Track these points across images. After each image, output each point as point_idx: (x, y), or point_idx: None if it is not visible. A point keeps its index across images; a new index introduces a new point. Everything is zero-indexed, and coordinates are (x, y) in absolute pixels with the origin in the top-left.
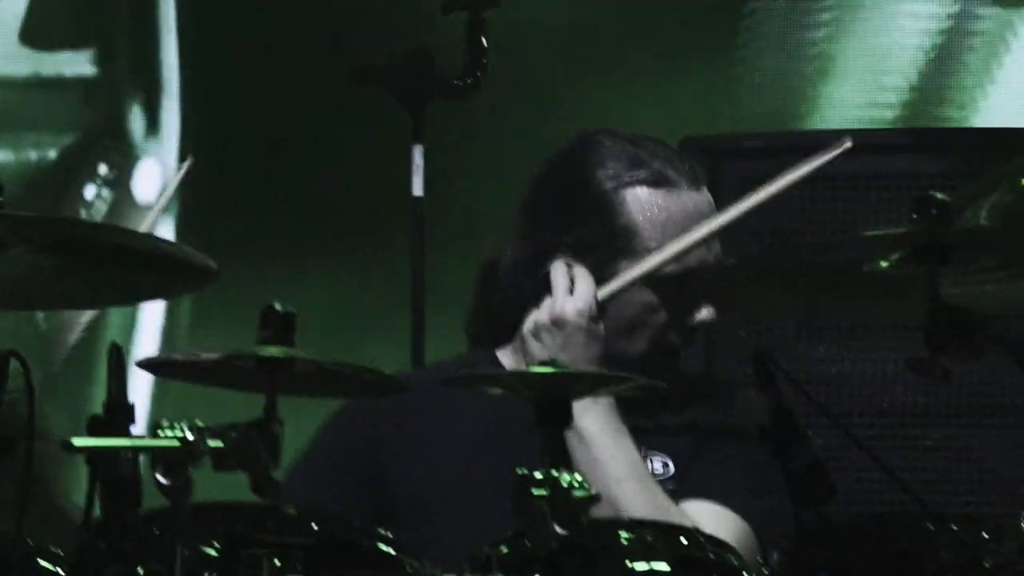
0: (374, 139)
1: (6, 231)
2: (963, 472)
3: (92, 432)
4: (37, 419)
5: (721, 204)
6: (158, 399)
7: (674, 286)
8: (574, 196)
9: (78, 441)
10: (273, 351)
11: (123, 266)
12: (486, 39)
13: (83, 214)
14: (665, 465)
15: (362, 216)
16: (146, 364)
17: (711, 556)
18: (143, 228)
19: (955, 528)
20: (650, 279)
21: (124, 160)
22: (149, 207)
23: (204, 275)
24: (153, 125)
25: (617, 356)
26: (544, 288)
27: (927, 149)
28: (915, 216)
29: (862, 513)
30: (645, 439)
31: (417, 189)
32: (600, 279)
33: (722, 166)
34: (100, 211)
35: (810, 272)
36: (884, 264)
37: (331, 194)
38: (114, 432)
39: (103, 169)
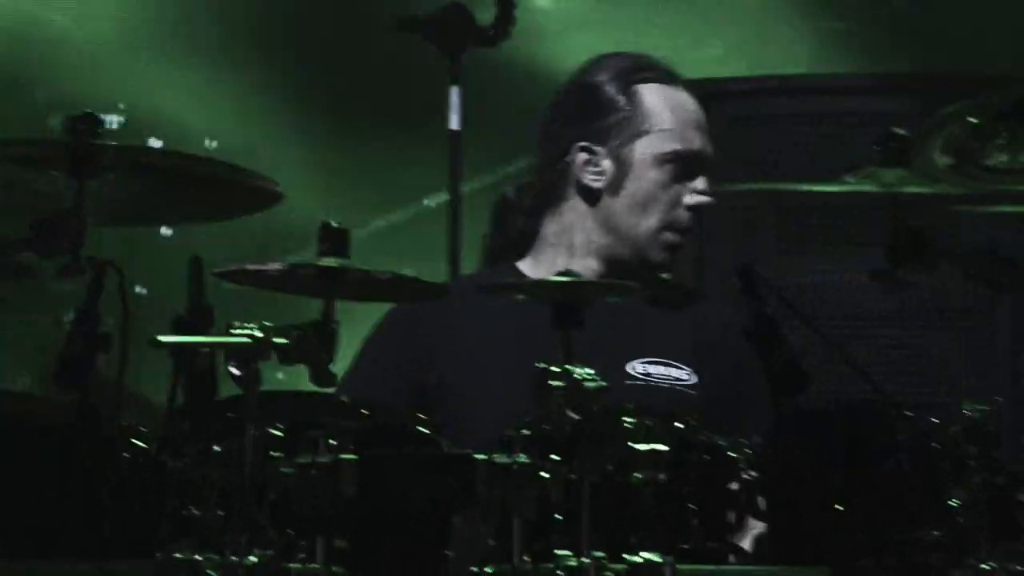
0: (415, 81)
1: (109, 158)
2: (916, 366)
3: (175, 330)
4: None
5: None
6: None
7: (681, 164)
8: (590, 97)
9: (163, 338)
10: (330, 262)
11: (204, 189)
12: None
13: None
14: (689, 375)
15: (406, 148)
16: (222, 273)
17: (703, 439)
18: None
19: (909, 414)
20: (661, 159)
21: None
22: None
23: (272, 197)
24: None
25: (631, 233)
26: (564, 179)
27: (887, 91)
28: (877, 148)
29: (831, 401)
30: (669, 353)
31: (454, 124)
32: (618, 161)
33: (711, 105)
34: None
35: (789, 198)
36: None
37: (376, 129)
38: (194, 330)
39: None
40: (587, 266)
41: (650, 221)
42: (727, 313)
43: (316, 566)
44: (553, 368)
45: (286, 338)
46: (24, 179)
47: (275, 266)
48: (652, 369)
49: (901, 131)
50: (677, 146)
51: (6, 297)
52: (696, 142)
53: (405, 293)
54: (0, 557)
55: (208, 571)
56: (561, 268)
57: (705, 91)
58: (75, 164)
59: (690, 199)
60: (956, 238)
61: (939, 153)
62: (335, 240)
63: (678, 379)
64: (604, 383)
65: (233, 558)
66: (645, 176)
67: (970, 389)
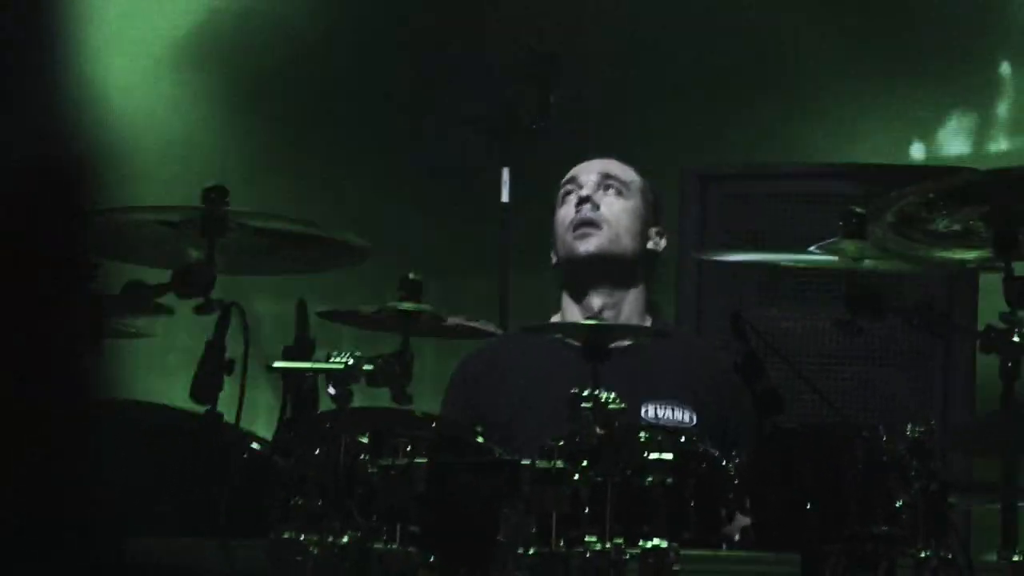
0: (476, 163)
1: (234, 221)
2: (870, 396)
3: (285, 358)
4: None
5: (708, 214)
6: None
7: (568, 189)
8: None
9: (276, 364)
10: (407, 306)
11: (310, 246)
12: (551, 94)
13: None
14: (690, 417)
15: (465, 218)
16: (325, 314)
17: (700, 449)
18: None
19: (864, 434)
20: (560, 197)
21: None
22: None
23: (363, 252)
24: None
25: (562, 249)
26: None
27: (852, 177)
28: (841, 223)
29: (802, 423)
30: (674, 396)
31: (504, 197)
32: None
33: (708, 186)
34: None
35: (772, 264)
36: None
37: (444, 203)
38: (300, 358)
39: None
40: (584, 302)
41: (560, 231)
42: (722, 359)
43: (395, 547)
44: (584, 392)
45: (373, 365)
46: (168, 237)
47: (366, 308)
48: (660, 413)
49: (860, 209)
50: (565, 181)
51: (153, 331)
52: (578, 172)
53: (464, 334)
54: (145, 534)
55: (310, 549)
56: (576, 313)
57: (702, 175)
58: (208, 225)
59: (572, 198)
60: (900, 294)
61: (892, 219)
62: (411, 288)
63: (681, 421)
64: (623, 404)
65: (329, 539)
66: (557, 212)
67: (911, 414)
